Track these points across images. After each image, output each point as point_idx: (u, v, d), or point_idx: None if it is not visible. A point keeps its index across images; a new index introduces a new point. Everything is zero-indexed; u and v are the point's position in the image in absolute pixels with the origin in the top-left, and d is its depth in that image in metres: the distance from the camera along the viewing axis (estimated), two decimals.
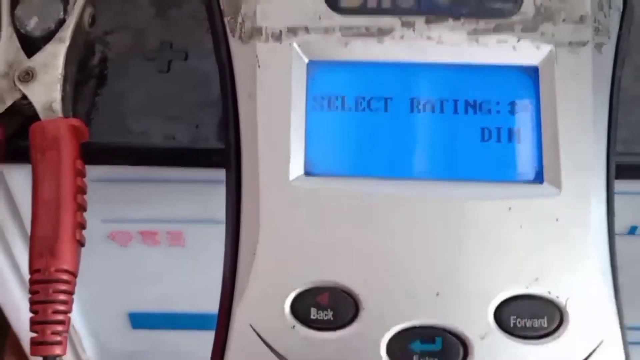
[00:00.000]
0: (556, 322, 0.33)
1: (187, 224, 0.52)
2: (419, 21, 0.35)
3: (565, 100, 0.34)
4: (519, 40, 0.35)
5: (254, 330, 0.33)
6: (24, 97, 0.40)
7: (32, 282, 0.37)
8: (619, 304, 0.33)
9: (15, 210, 0.51)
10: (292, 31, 0.35)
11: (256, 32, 0.35)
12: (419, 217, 0.33)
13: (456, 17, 0.35)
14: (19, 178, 0.48)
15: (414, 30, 0.35)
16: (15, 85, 0.40)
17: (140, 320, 0.63)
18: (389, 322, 0.33)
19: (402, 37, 0.35)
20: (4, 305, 0.58)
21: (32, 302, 0.37)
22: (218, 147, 0.40)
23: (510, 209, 0.33)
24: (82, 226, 0.39)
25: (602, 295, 0.33)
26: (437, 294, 0.33)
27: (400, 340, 0.33)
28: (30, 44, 0.41)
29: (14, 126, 0.41)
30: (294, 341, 0.33)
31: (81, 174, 0.39)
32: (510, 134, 0.35)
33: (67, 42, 0.41)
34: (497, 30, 0.35)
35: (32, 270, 0.38)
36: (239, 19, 0.36)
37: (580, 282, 0.33)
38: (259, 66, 0.35)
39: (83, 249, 0.39)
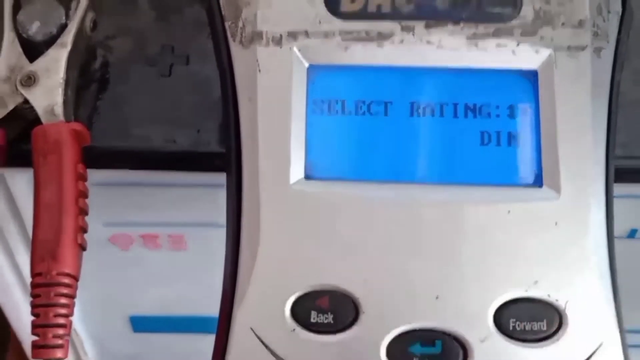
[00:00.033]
0: (555, 325, 0.33)
1: (188, 228, 0.52)
2: (419, 26, 0.35)
3: (564, 104, 0.34)
4: (518, 45, 0.35)
5: (255, 333, 0.33)
6: (26, 101, 0.41)
7: (34, 285, 0.38)
8: (618, 307, 0.33)
9: (17, 213, 0.51)
10: (293, 35, 0.35)
11: (257, 36, 0.36)
12: (418, 220, 0.33)
13: (456, 22, 0.35)
14: (21, 182, 0.48)
15: (413, 35, 0.35)
16: (17, 89, 0.41)
17: (141, 324, 0.63)
18: (389, 325, 0.33)
19: (402, 41, 0.35)
20: (5, 308, 0.58)
21: (34, 306, 0.37)
22: (219, 151, 0.40)
23: (509, 212, 0.33)
24: (84, 230, 0.39)
25: (601, 298, 0.33)
26: (437, 297, 0.33)
27: (400, 344, 0.33)
28: (32, 49, 0.41)
29: (16, 130, 0.41)
30: (295, 344, 0.33)
31: (83, 178, 0.39)
32: (510, 137, 0.35)
33: (69, 47, 0.41)
34: (496, 34, 0.35)
35: (34, 274, 0.38)
36: (240, 24, 0.36)
37: (580, 285, 0.33)
38: (259, 70, 0.35)
39: (85, 253, 0.39)
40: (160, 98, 0.43)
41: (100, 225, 0.51)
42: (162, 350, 0.67)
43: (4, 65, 0.41)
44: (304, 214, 0.34)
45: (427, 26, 0.35)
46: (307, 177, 0.34)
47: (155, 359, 0.68)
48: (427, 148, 0.35)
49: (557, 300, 0.33)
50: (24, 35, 0.41)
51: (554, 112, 0.34)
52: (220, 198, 0.36)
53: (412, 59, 0.35)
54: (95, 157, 0.41)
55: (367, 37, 0.35)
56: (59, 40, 0.41)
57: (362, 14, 0.36)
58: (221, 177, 0.36)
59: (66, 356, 0.37)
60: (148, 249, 0.54)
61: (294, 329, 0.33)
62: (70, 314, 0.38)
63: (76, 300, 0.38)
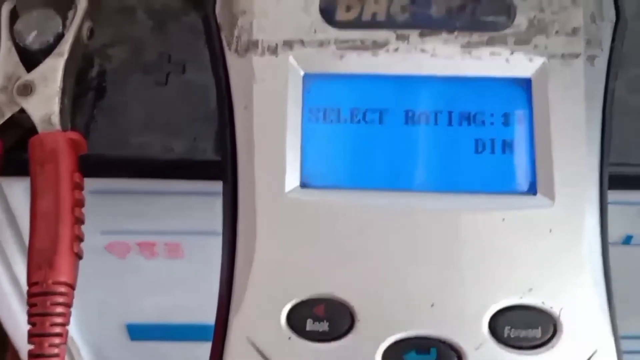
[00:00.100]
0: (550, 332, 0.33)
1: (184, 236, 0.52)
2: (414, 34, 0.35)
3: (558, 112, 0.34)
4: (512, 53, 0.35)
5: (251, 342, 0.33)
6: (23, 110, 0.41)
7: (30, 294, 0.38)
8: (613, 314, 0.33)
9: (14, 222, 0.51)
10: (288, 44, 0.36)
11: (252, 45, 0.36)
12: (413, 228, 0.34)
13: (450, 31, 0.35)
14: (18, 190, 0.48)
15: (408, 43, 0.35)
16: (14, 98, 0.41)
17: (138, 332, 0.63)
18: (385, 333, 0.33)
19: (396, 49, 0.35)
20: (3, 318, 0.58)
21: (30, 315, 0.38)
22: (216, 159, 0.40)
23: (504, 220, 0.33)
24: (80, 239, 0.39)
25: (595, 305, 0.33)
26: (432, 305, 0.33)
27: (395, 351, 0.33)
28: (29, 58, 0.41)
29: (13, 139, 0.41)
30: (290, 353, 0.33)
31: (79, 186, 0.40)
32: (504, 145, 0.35)
33: (66, 56, 0.41)
34: (490, 43, 0.35)
35: (30, 283, 0.38)
36: (236, 33, 0.36)
37: (574, 293, 0.33)
38: (255, 79, 0.35)
39: (81, 261, 0.39)
40: (156, 106, 0.43)
41: (96, 233, 0.51)
42: (159, 358, 0.66)
43: (1, 74, 0.41)
44: (299, 222, 0.34)
45: (422, 35, 0.35)
46: (303, 185, 0.35)
47: None
48: (422, 156, 0.35)
49: (551, 307, 0.33)
50: (21, 44, 0.41)
51: (548, 120, 0.34)
52: (217, 206, 0.36)
53: (406, 67, 0.35)
54: (92, 166, 0.41)
55: (362, 46, 0.35)
56: (56, 50, 0.41)
57: (357, 23, 0.36)
58: (218, 185, 0.36)
59: None
60: (145, 257, 0.54)
61: (289, 337, 0.33)
62: (67, 323, 0.38)
63: (73, 309, 0.38)
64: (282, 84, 0.35)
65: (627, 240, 0.51)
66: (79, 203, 0.39)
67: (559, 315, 0.33)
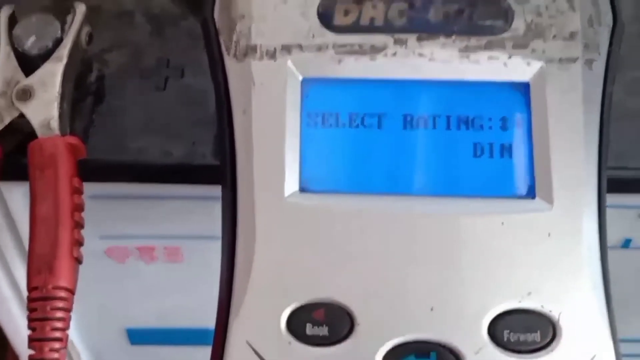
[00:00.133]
0: (549, 336, 0.33)
1: (184, 240, 0.52)
2: (411, 39, 0.35)
3: (556, 115, 0.34)
4: (510, 57, 0.35)
5: (250, 346, 0.33)
6: (22, 115, 0.41)
7: (30, 299, 0.38)
8: (612, 317, 0.34)
9: (14, 227, 0.51)
10: (287, 49, 0.36)
11: (251, 50, 0.36)
12: (412, 232, 0.34)
13: (448, 35, 0.35)
14: (17, 195, 0.48)
15: (406, 48, 0.35)
16: (13, 103, 0.41)
17: (138, 336, 0.63)
18: (384, 337, 0.33)
19: (394, 54, 0.35)
20: (3, 322, 0.58)
21: (30, 320, 0.38)
22: (214, 164, 0.41)
23: (503, 224, 0.34)
24: (80, 243, 0.39)
25: (594, 309, 0.33)
26: (432, 309, 0.33)
27: (395, 355, 0.33)
28: (28, 63, 0.41)
29: (12, 143, 0.41)
30: (290, 357, 0.33)
31: (78, 191, 0.40)
32: (502, 149, 0.35)
33: (65, 61, 0.41)
34: (488, 47, 0.35)
35: (30, 288, 0.38)
36: (234, 37, 0.36)
37: (573, 296, 0.33)
38: (253, 84, 0.35)
39: (81, 266, 0.39)
40: (155, 111, 0.43)
41: (96, 238, 0.51)
42: None
43: (0, 79, 0.41)
44: (299, 227, 0.34)
45: (420, 39, 0.35)
46: (302, 189, 0.35)
47: None
48: (421, 160, 0.35)
49: (550, 311, 0.33)
50: (20, 49, 0.42)
51: (546, 124, 0.34)
52: (216, 210, 0.36)
53: (404, 71, 0.35)
54: (91, 171, 0.41)
55: (360, 50, 0.36)
56: (55, 54, 0.41)
57: (355, 28, 0.36)
58: (217, 190, 0.36)
59: None
60: (144, 262, 0.54)
61: (289, 342, 0.33)
62: (67, 328, 0.38)
63: (73, 313, 0.38)
64: (280, 89, 0.35)
65: (626, 243, 0.51)
66: (79, 207, 0.39)
67: (558, 319, 0.33)
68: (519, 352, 0.33)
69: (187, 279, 0.56)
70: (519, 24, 0.36)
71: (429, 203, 0.34)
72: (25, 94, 0.41)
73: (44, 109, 0.40)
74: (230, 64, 0.36)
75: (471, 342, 0.33)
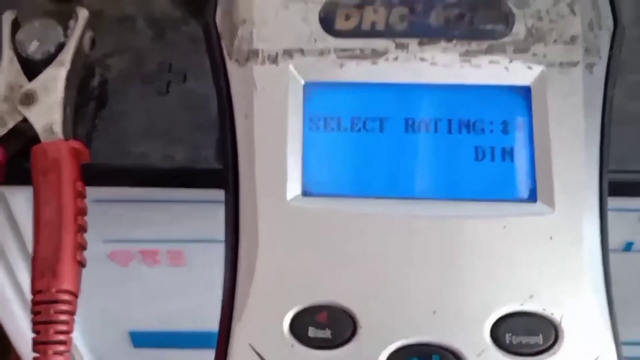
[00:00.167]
0: (551, 339, 0.33)
1: (187, 244, 0.52)
2: (413, 43, 0.36)
3: (557, 119, 0.35)
4: (511, 61, 0.35)
5: (253, 349, 0.34)
6: (25, 119, 0.41)
7: (34, 302, 0.38)
8: (614, 320, 0.34)
9: (17, 231, 0.51)
10: (288, 53, 0.36)
11: (253, 54, 0.36)
12: (414, 236, 0.34)
13: (449, 39, 0.36)
14: (21, 199, 0.48)
15: (407, 52, 0.36)
16: (16, 108, 0.41)
17: (141, 339, 0.63)
18: (387, 340, 0.33)
19: (396, 58, 0.36)
20: (6, 325, 0.59)
21: (34, 323, 0.38)
22: (217, 168, 0.41)
23: (504, 227, 0.34)
24: (83, 247, 0.39)
25: (596, 312, 0.33)
26: (434, 312, 0.33)
27: (397, 358, 0.33)
28: (31, 68, 0.41)
29: (15, 147, 0.42)
30: None
31: (81, 195, 0.40)
32: (504, 153, 0.35)
33: (67, 65, 0.41)
34: (489, 51, 0.35)
35: (34, 291, 0.38)
36: (236, 42, 0.36)
37: (575, 299, 0.33)
38: (255, 88, 0.35)
39: (84, 269, 0.39)
40: (158, 115, 0.43)
41: (99, 241, 0.51)
42: None
43: (3, 84, 0.41)
44: (301, 231, 0.34)
45: (421, 43, 0.36)
46: (304, 193, 0.35)
47: None
48: (422, 164, 0.35)
49: (552, 314, 0.33)
50: (23, 54, 0.42)
51: (547, 128, 0.34)
52: (219, 214, 0.36)
53: (406, 75, 0.35)
54: (94, 175, 0.41)
55: (362, 55, 0.36)
56: (58, 59, 0.41)
57: (356, 32, 0.36)
58: (219, 193, 0.36)
59: None
60: (147, 265, 0.54)
61: (292, 345, 0.33)
62: (71, 331, 0.38)
63: (76, 317, 0.38)
64: (282, 93, 0.35)
65: (628, 246, 0.51)
66: (82, 211, 0.39)
67: (560, 322, 0.33)
68: (521, 354, 0.33)
69: (189, 282, 0.56)
70: (519, 29, 0.36)
71: (430, 206, 0.34)
72: (29, 99, 0.41)
73: (47, 113, 0.41)
74: (232, 68, 0.36)
75: (473, 345, 0.33)
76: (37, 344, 0.37)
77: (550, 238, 0.33)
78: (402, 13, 0.36)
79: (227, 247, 0.35)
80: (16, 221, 0.50)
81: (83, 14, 0.43)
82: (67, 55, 0.42)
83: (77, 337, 0.61)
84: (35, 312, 0.38)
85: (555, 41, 0.35)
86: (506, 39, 0.36)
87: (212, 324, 0.36)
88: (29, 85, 0.41)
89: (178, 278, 0.55)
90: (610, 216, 0.35)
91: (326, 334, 0.33)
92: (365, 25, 0.36)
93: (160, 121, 0.43)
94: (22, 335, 0.58)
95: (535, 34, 0.36)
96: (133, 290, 0.57)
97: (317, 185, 0.35)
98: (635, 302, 0.50)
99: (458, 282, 0.33)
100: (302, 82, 0.36)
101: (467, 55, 0.35)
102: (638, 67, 0.43)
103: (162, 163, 0.42)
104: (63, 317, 0.38)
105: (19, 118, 0.41)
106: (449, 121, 0.35)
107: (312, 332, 0.33)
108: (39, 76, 0.41)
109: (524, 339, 0.33)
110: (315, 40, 0.36)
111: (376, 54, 0.36)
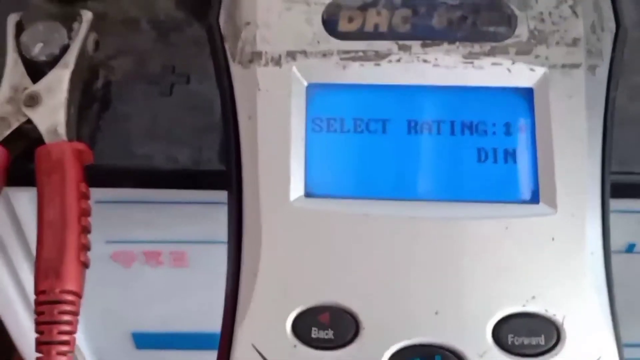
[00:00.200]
0: (553, 340, 0.33)
1: (190, 245, 0.52)
2: (415, 45, 0.36)
3: (560, 121, 0.35)
4: (513, 63, 0.35)
5: (256, 349, 0.34)
6: (29, 121, 0.41)
7: (38, 303, 0.38)
8: (616, 322, 0.34)
9: (21, 231, 0.51)
10: (291, 55, 0.36)
11: (256, 56, 0.36)
12: (417, 237, 0.34)
13: (451, 41, 0.36)
14: (25, 200, 0.48)
15: (410, 54, 0.36)
16: (20, 109, 0.41)
17: (144, 340, 0.63)
18: (389, 341, 0.33)
19: (399, 60, 0.36)
20: (9, 325, 0.59)
21: (38, 323, 0.38)
22: (220, 169, 0.41)
23: (507, 228, 0.34)
24: (87, 248, 0.39)
25: (598, 313, 0.33)
26: (436, 313, 0.33)
27: (400, 359, 0.33)
28: (35, 69, 0.42)
29: (19, 149, 0.42)
30: None
31: (85, 196, 0.40)
32: (506, 154, 0.35)
33: (71, 67, 0.42)
34: (491, 53, 0.36)
35: (38, 292, 0.38)
36: (239, 44, 0.36)
37: (577, 300, 0.33)
38: (259, 90, 0.36)
39: (87, 270, 0.39)
40: (161, 117, 0.44)
41: (102, 242, 0.51)
42: None
43: (8, 85, 0.42)
44: (304, 231, 0.34)
45: (424, 45, 0.36)
46: (307, 194, 0.35)
47: None
48: (425, 165, 0.35)
49: (554, 315, 0.33)
50: (27, 56, 0.42)
51: (550, 129, 0.34)
52: (222, 215, 0.36)
53: (409, 77, 0.36)
54: (98, 176, 0.41)
55: (365, 56, 0.36)
56: (62, 61, 0.42)
57: (359, 34, 0.36)
58: (222, 195, 0.36)
59: None
60: (150, 266, 0.54)
61: (295, 345, 0.33)
62: (74, 331, 0.38)
63: (79, 317, 0.39)
64: (285, 95, 0.35)
65: (630, 248, 0.51)
66: (85, 212, 0.40)
67: (562, 323, 0.33)
68: (523, 355, 0.33)
69: (192, 284, 0.56)
70: (522, 31, 0.36)
71: (433, 208, 0.34)
72: (33, 100, 0.41)
73: (51, 114, 0.41)
74: (235, 70, 0.36)
75: (475, 345, 0.33)
76: (40, 344, 0.38)
77: (553, 239, 0.34)
78: (405, 15, 0.36)
79: (230, 248, 0.35)
80: (20, 222, 0.50)
81: (87, 16, 0.43)
82: (71, 57, 0.42)
83: (79, 337, 0.61)
84: (38, 313, 0.38)
85: (557, 43, 0.36)
86: (509, 41, 0.36)
87: (215, 325, 0.36)
88: (33, 87, 0.41)
89: (181, 279, 0.56)
90: (613, 217, 0.35)
91: (329, 334, 0.33)
92: (368, 27, 0.36)
93: (163, 123, 0.43)
94: (25, 335, 0.58)
95: (538, 36, 0.36)
96: (136, 291, 0.57)
97: (320, 186, 0.35)
98: (637, 304, 0.50)
99: (460, 283, 0.33)
100: (305, 84, 0.36)
101: (469, 57, 0.35)
102: None
103: (165, 164, 0.42)
104: (66, 318, 0.38)
105: (23, 119, 0.41)
106: (452, 123, 0.35)
107: (314, 332, 0.33)
108: (43, 78, 0.41)
109: (526, 340, 0.33)
110: (319, 42, 0.36)
111: (379, 56, 0.36)
